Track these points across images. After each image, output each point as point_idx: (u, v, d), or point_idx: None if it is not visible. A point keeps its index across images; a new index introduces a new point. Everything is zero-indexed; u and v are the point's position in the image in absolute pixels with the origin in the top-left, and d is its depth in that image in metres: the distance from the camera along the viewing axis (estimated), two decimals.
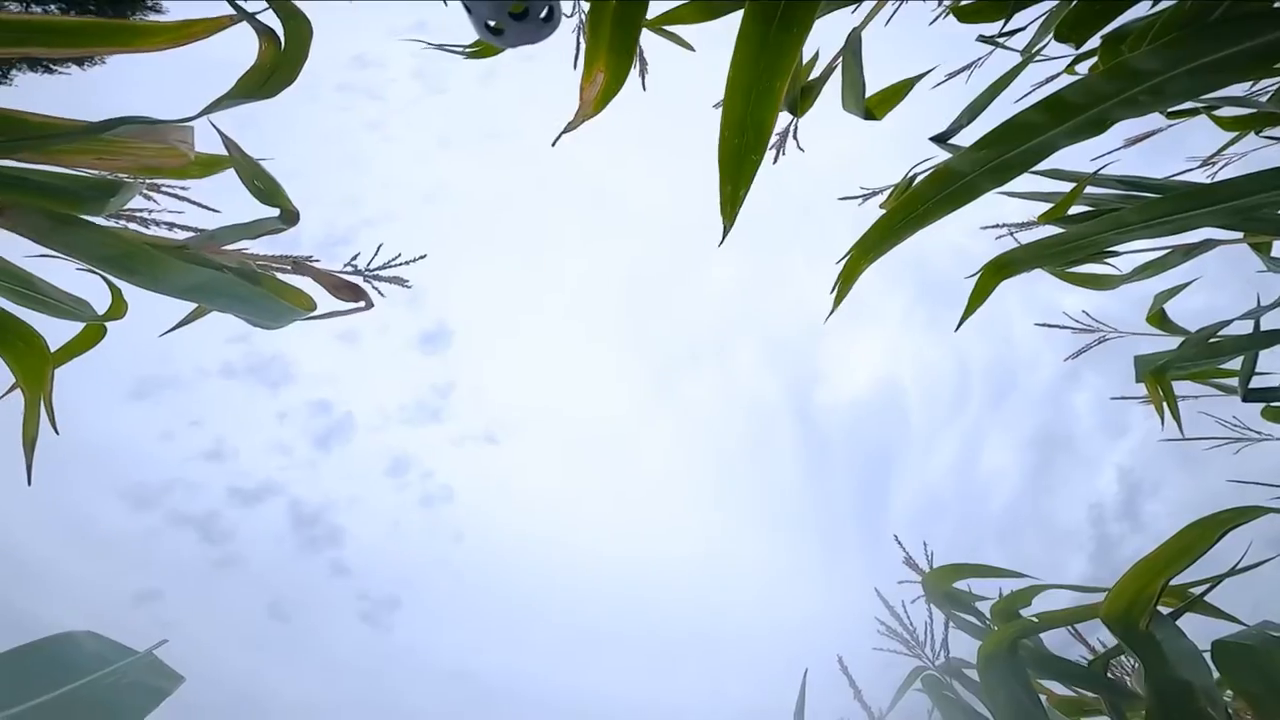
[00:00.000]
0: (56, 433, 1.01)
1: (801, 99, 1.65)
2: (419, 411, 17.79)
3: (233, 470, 15.59)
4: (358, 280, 1.26)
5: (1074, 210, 1.48)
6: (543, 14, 1.01)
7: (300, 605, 14.74)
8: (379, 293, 1.31)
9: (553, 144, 0.82)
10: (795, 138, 1.82)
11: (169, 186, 1.38)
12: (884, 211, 1.10)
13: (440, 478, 16.96)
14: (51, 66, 6.70)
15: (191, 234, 1.17)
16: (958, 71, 2.06)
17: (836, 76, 1.72)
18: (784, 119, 1.84)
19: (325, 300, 1.24)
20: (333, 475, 16.29)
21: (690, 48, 2.09)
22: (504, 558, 16.30)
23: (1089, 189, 1.48)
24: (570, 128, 0.84)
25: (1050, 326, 1.98)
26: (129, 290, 1.22)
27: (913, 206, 1.04)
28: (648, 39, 2.00)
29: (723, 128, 0.87)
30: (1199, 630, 1.04)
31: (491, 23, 1.02)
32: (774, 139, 1.85)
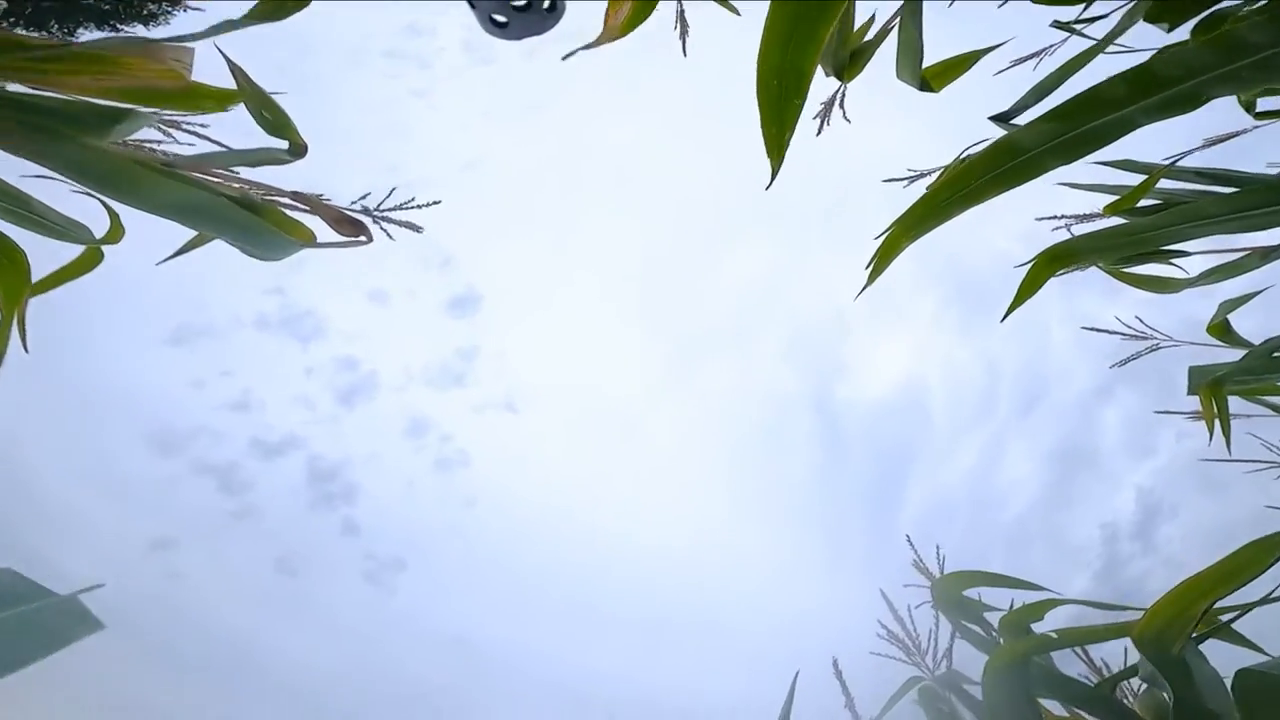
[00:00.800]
0: (26, 351, 1.00)
1: (850, 63, 1.54)
2: (442, 374, 17.84)
3: (258, 422, 15.83)
4: (365, 219, 1.22)
5: (1142, 204, 1.37)
6: (545, 4, 1.00)
7: (308, 561, 15.02)
8: (387, 234, 1.26)
9: (563, 58, 0.77)
10: (842, 107, 1.71)
11: (188, 123, 1.35)
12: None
13: (458, 442, 17.09)
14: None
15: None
16: (1027, 58, 1.92)
17: (885, 52, 1.60)
18: (830, 87, 1.73)
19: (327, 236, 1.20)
20: (353, 432, 16.51)
21: (735, 10, 1.99)
22: (513, 528, 16.45)
23: (1160, 183, 1.36)
24: (590, 46, 0.78)
25: (1098, 331, 1.86)
26: (166, 229, 1.19)
27: (965, 181, 0.97)
28: (691, 7, 1.91)
29: (760, 74, 0.84)
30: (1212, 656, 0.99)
31: (496, 17, 1.02)
32: (819, 108, 1.74)
